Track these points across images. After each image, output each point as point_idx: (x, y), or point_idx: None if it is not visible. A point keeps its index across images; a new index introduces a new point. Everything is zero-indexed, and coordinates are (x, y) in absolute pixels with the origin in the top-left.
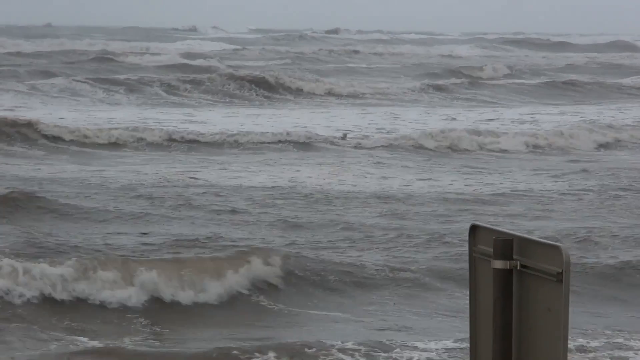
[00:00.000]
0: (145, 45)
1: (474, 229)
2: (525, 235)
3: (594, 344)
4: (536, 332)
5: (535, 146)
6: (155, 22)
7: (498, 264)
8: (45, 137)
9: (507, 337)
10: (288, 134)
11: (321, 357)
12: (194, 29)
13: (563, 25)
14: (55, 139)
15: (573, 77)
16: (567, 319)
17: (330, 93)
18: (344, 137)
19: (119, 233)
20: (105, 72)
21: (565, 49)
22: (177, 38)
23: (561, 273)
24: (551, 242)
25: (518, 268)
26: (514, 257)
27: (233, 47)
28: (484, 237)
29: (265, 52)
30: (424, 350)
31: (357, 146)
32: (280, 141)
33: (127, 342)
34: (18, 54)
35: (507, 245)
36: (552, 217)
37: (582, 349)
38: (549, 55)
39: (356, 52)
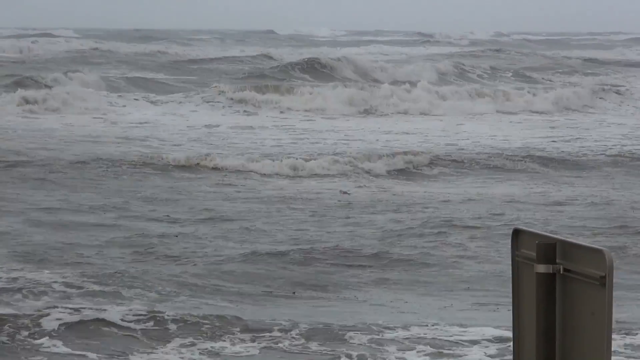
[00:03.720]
0: (306, 51)
1: (516, 233)
2: (568, 239)
3: None
4: (580, 336)
5: None
6: (212, 25)
7: (541, 268)
8: None
9: (551, 341)
10: None
11: None
12: (271, 32)
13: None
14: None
15: None
16: (611, 323)
17: None
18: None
19: None
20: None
21: None
22: (309, 42)
23: (604, 277)
24: (594, 246)
25: (561, 272)
26: (557, 261)
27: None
28: (527, 241)
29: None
30: None
31: None
32: None
33: None
34: (214, 60)
35: (550, 249)
36: None
37: None
38: None
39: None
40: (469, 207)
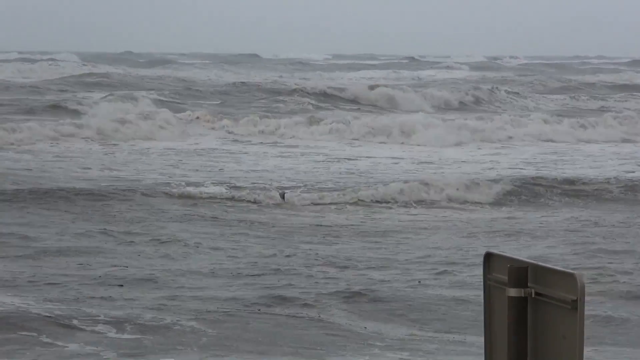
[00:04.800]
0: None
1: (488, 257)
2: (540, 263)
3: None
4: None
5: None
6: (201, 48)
7: (513, 292)
8: None
9: None
10: None
11: None
12: (255, 55)
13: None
14: None
15: None
16: (582, 347)
17: None
18: (282, 196)
19: None
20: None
21: None
22: (314, 67)
23: (576, 301)
24: (566, 270)
25: (533, 296)
26: (529, 284)
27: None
28: (498, 265)
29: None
30: None
31: None
32: None
33: None
34: None
35: (521, 273)
36: None
37: None
38: None
39: None
40: None
